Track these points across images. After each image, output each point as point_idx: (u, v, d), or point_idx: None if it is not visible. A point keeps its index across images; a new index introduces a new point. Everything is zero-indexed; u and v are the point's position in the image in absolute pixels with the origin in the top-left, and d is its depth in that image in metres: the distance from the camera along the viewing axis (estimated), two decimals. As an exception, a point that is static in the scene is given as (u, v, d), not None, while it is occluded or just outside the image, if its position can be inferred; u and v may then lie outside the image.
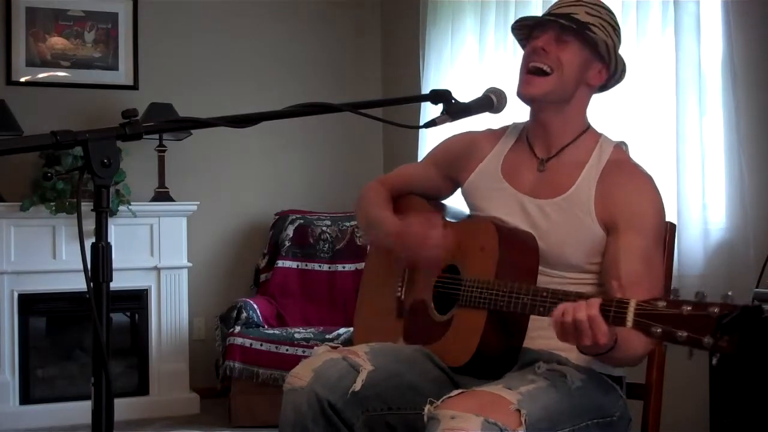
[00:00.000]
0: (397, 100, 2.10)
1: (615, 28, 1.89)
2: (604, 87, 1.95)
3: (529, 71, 1.87)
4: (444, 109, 1.77)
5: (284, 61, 5.17)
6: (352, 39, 5.35)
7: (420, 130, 4.29)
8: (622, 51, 1.94)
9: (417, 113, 4.32)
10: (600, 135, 1.93)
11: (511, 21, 3.76)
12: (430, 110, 4.01)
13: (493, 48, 3.99)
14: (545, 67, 1.84)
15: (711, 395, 2.48)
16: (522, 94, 1.88)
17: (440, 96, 1.77)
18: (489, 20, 4.03)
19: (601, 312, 1.47)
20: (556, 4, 1.91)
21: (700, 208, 2.96)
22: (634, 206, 1.78)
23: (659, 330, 1.38)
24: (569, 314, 1.50)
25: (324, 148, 5.23)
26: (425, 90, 4.40)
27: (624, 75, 1.93)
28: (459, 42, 4.30)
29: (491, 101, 1.83)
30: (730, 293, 1.37)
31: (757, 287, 2.52)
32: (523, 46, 1.96)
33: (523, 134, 1.99)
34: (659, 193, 1.83)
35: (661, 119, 3.14)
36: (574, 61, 1.84)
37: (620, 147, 1.91)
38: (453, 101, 1.77)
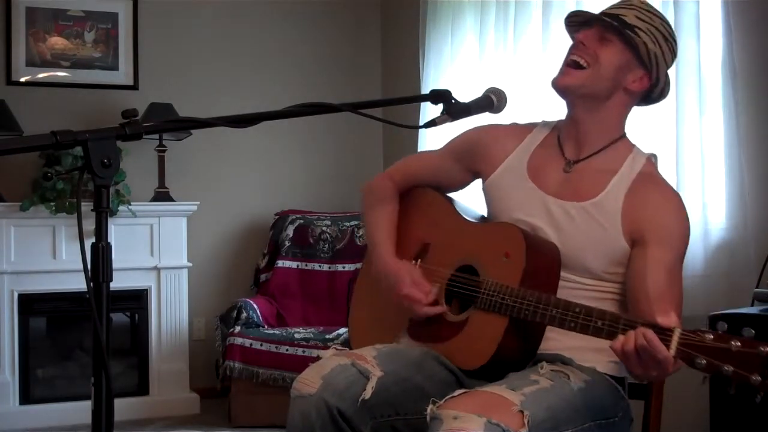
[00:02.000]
0: (397, 100, 2.09)
1: (666, 38, 1.83)
2: (647, 99, 1.91)
3: (567, 64, 1.85)
4: (444, 109, 1.76)
5: (284, 61, 5.16)
6: (352, 39, 5.35)
7: (420, 130, 4.29)
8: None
9: (417, 113, 4.32)
10: (633, 145, 1.91)
11: (511, 21, 3.83)
12: (430, 110, 4.01)
13: (493, 47, 3.99)
14: (581, 61, 1.82)
15: (711, 395, 2.48)
16: (555, 84, 1.86)
17: (440, 96, 1.77)
18: (489, 20, 4.03)
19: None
20: (612, 5, 1.88)
21: (700, 208, 2.96)
22: (663, 221, 1.76)
23: (704, 362, 1.40)
24: (629, 344, 1.50)
25: (324, 149, 5.23)
26: (425, 90, 4.40)
27: (668, 90, 1.89)
28: (459, 41, 4.30)
29: (491, 101, 1.83)
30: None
31: (757, 287, 2.52)
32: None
33: (554, 133, 1.96)
34: (687, 212, 1.82)
35: (661, 119, 3.13)
36: (613, 60, 1.81)
37: (651, 160, 1.89)
38: (453, 101, 1.77)
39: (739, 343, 1.38)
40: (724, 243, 2.92)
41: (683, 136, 2.98)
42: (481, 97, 1.84)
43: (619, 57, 1.81)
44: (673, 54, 1.87)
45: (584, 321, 1.60)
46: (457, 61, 4.31)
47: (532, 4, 3.68)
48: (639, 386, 1.93)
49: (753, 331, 1.40)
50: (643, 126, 3.17)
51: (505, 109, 1.85)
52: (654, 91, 1.88)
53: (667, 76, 1.87)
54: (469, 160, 2.04)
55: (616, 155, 1.87)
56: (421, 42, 4.56)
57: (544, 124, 2.01)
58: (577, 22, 1.91)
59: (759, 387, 1.36)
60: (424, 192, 2.12)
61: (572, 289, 1.79)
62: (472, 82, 4.06)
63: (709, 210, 2.97)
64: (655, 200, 1.79)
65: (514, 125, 2.04)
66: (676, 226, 1.78)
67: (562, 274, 1.82)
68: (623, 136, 1.91)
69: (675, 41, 1.86)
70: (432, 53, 4.46)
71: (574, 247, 1.81)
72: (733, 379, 1.37)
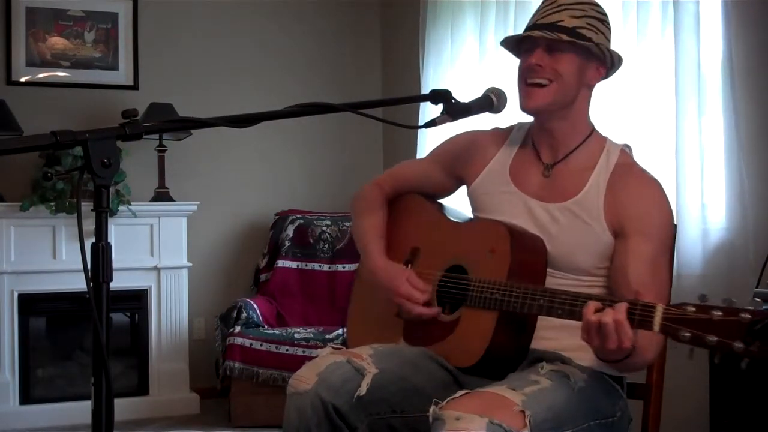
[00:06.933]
0: (397, 100, 2.11)
1: (602, 20, 1.86)
2: (604, 77, 1.93)
3: (530, 86, 1.85)
4: (444, 109, 1.77)
5: (284, 61, 5.17)
6: (352, 39, 5.35)
7: (420, 130, 4.29)
8: (622, 50, 1.92)
9: (417, 113, 4.32)
10: (605, 138, 1.92)
11: (511, 21, 3.83)
12: (430, 110, 4.01)
13: (493, 48, 3.99)
14: (543, 81, 1.83)
15: (711, 395, 2.48)
16: (526, 108, 1.87)
17: (440, 96, 1.77)
18: (489, 20, 4.03)
19: (627, 315, 1.49)
20: (539, 12, 1.88)
21: (700, 208, 2.96)
22: (642, 212, 1.77)
23: (688, 334, 1.40)
24: (597, 317, 1.51)
25: (324, 148, 5.23)
26: (425, 90, 4.40)
27: (621, 62, 1.90)
28: (459, 42, 4.30)
29: (491, 101, 1.83)
30: (757, 299, 1.40)
31: (757, 287, 2.52)
32: (517, 55, 1.93)
33: (528, 137, 1.98)
34: (667, 199, 1.83)
35: (660, 119, 3.14)
36: (571, 68, 1.83)
37: (626, 151, 1.90)
38: (453, 101, 1.77)
39: (720, 313, 1.38)
40: (724, 243, 2.92)
41: (683, 136, 2.98)
42: (481, 97, 1.84)
43: (576, 63, 1.83)
44: (610, 28, 1.89)
45: (571, 306, 1.61)
46: (457, 61, 4.31)
47: (532, 4, 3.68)
48: (638, 386, 1.93)
49: (734, 300, 1.40)
50: (643, 126, 3.18)
51: (505, 109, 1.86)
52: (610, 71, 1.90)
53: (616, 54, 1.87)
54: (453, 167, 2.07)
55: (590, 151, 1.88)
56: (421, 42, 4.56)
57: (519, 126, 2.02)
58: (515, 42, 1.90)
59: (742, 354, 1.36)
60: (411, 198, 2.15)
61: (566, 287, 1.79)
62: (472, 82, 4.06)
63: (709, 210, 2.97)
64: (634, 191, 1.80)
65: (496, 130, 2.06)
66: (655, 216, 1.79)
67: (555, 272, 1.83)
68: (593, 130, 1.92)
69: (605, 14, 1.88)
70: (432, 53, 4.46)
71: (563, 248, 1.82)
72: (718, 348, 1.37)
